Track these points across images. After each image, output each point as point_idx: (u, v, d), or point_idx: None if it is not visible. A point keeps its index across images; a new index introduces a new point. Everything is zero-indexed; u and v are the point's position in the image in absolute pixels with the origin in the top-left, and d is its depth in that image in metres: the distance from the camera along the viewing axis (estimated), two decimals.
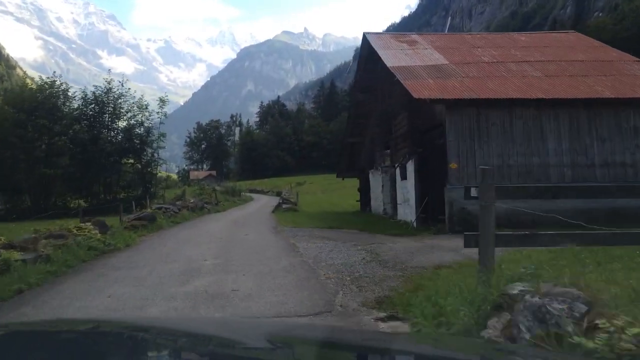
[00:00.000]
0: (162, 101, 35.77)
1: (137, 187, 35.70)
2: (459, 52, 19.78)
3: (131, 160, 36.38)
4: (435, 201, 17.24)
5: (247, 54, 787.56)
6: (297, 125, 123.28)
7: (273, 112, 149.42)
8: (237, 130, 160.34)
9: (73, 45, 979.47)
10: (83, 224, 12.14)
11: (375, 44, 21.01)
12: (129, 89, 36.39)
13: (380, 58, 23.13)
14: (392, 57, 19.25)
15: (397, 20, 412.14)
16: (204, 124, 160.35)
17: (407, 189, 20.13)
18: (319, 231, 17.19)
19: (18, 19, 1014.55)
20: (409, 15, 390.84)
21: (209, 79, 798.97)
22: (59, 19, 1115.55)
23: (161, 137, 35.93)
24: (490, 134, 15.78)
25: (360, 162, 29.02)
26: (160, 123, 36.25)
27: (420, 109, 18.50)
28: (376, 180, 24.51)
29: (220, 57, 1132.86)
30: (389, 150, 23.17)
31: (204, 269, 8.82)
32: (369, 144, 26.55)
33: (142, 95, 37.05)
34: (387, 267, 8.76)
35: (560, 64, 18.02)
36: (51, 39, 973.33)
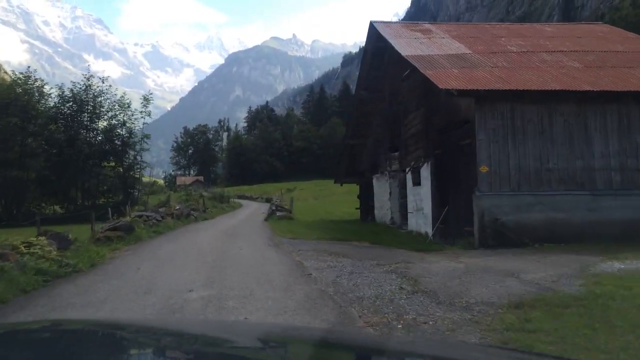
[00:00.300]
0: (146, 100, 33.08)
1: (118, 193, 32.95)
2: (480, 41, 17.51)
3: (112, 164, 33.58)
4: (457, 210, 14.91)
5: (235, 60, 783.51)
6: (286, 130, 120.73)
7: (262, 117, 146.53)
8: (225, 135, 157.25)
9: (59, 49, 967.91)
10: (35, 239, 9.55)
11: (384, 32, 18.68)
12: (110, 86, 33.64)
13: (386, 52, 20.90)
14: (406, 45, 16.93)
15: None
16: (191, 129, 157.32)
17: (420, 196, 17.77)
18: (325, 244, 14.75)
19: (4, 22, 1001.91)
20: (398, 22, 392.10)
21: (196, 84, 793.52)
22: (46, 23, 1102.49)
23: (145, 139, 33.23)
24: (527, 133, 13.47)
25: (362, 166, 26.66)
26: (144, 123, 33.54)
27: (438, 104, 16.20)
28: (381, 186, 22.15)
29: (208, 62, 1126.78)
30: (397, 153, 20.83)
31: (189, 308, 6.31)
32: (373, 146, 24.21)
33: (124, 93, 34.35)
34: (442, 304, 6.33)
35: (599, 54, 15.82)
36: (37, 43, 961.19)
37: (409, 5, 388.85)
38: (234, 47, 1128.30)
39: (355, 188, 57.45)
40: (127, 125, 32.89)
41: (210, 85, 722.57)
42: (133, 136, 32.98)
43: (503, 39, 17.85)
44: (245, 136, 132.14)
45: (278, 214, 27.41)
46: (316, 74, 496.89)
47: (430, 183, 16.78)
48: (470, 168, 14.01)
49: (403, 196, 20.11)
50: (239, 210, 45.07)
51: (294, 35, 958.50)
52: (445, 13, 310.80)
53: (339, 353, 1.80)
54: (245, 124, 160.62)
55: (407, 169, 18.74)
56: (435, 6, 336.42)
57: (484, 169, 13.38)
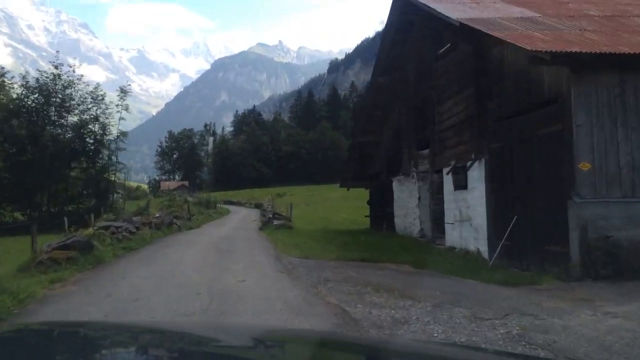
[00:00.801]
0: (123, 92, 28.82)
1: (90, 198, 28.50)
2: (545, 6, 13.61)
3: (83, 165, 29.05)
4: (530, 222, 10.95)
5: (221, 65, 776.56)
6: (274, 134, 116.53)
7: (248, 121, 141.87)
8: (210, 139, 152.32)
9: (43, 53, 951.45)
10: None
11: None
12: (82, 75, 29.18)
13: (416, 25, 17.01)
14: (452, 9, 12.98)
15: (371, 34, 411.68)
16: (176, 133, 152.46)
17: (467, 203, 13.80)
18: (353, 268, 10.74)
19: None
20: (383, 30, 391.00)
21: (182, 89, 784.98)
22: (30, 27, 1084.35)
23: (121, 137, 28.85)
24: None
25: (373, 167, 22.65)
26: (121, 118, 29.09)
27: (498, 83, 12.29)
28: (405, 191, 18.12)
29: (194, 67, 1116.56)
30: (426, 150, 16.88)
31: None
32: (390, 144, 20.20)
33: (98, 84, 29.97)
34: None
35: None
36: (21, 47, 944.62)
37: None
38: (220, 53, 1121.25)
39: (353, 193, 53.26)
40: (101, 120, 28.43)
41: (196, 91, 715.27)
42: (107, 133, 28.54)
43: (570, 5, 14.00)
44: (232, 140, 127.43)
45: (275, 222, 23.28)
46: (302, 80, 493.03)
47: (485, 186, 12.82)
48: (554, 165, 10.11)
49: (437, 202, 16.13)
50: (228, 216, 40.79)
51: (280, 41, 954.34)
52: None
53: (337, 354, 1.77)
54: (232, 129, 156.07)
55: (448, 170, 14.76)
56: None
57: (585, 166, 9.43)
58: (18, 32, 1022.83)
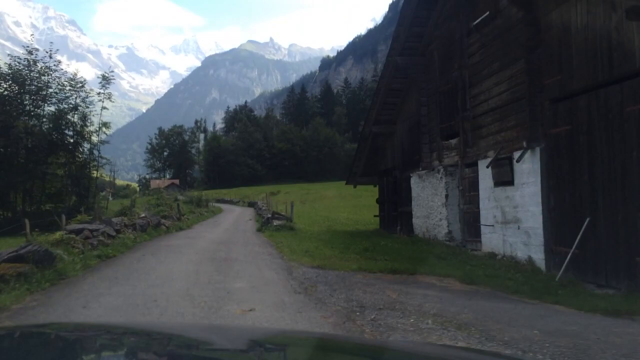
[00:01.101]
0: (105, 79, 26.12)
1: (69, 196, 25.82)
2: None
3: (62, 159, 26.31)
4: (612, 227, 8.60)
5: (212, 62, 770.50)
6: (266, 131, 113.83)
7: (240, 117, 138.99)
8: (201, 136, 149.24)
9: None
10: None
11: None
12: (59, 61, 26.44)
13: None
14: None
15: (363, 32, 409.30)
16: (166, 130, 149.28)
17: (514, 202, 11.42)
18: (390, 286, 8.31)
19: None
20: (375, 27, 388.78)
21: (172, 86, 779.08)
22: (17, 23, 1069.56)
23: (104, 128, 26.17)
24: None
25: (385, 162, 20.21)
26: (103, 108, 26.37)
27: (558, 53, 9.92)
28: (427, 188, 15.68)
29: (185, 65, 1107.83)
30: (455, 140, 14.48)
31: None
32: (407, 134, 17.77)
33: (76, 70, 27.25)
34: None
35: None
36: (8, 44, 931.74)
37: (387, 9, 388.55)
38: (210, 50, 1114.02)
39: (350, 191, 51.07)
40: (81, 110, 25.71)
41: (187, 88, 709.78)
42: (88, 124, 25.84)
43: None
44: (224, 137, 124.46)
45: (275, 222, 20.78)
46: (294, 78, 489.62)
47: (541, 181, 10.45)
48: None
49: (469, 201, 13.74)
50: (221, 216, 38.26)
51: (271, 38, 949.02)
52: None
53: (336, 355, 1.77)
54: (223, 125, 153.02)
55: (487, 162, 12.36)
56: None
57: None
58: (4, 28, 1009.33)
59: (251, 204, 55.27)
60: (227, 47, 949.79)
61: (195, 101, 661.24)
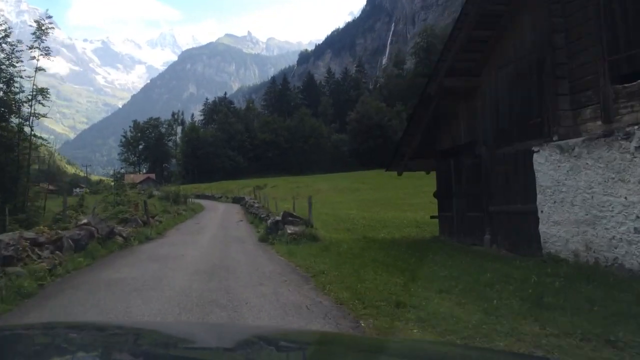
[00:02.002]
0: (40, 28, 18.79)
1: None
2: None
3: None
4: None
5: (189, 56, 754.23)
6: (248, 122, 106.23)
7: (220, 109, 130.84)
8: (179, 129, 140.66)
9: (3, 45, 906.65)
10: None
11: None
12: None
13: None
14: None
15: (341, 25, 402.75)
16: (141, 122, 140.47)
17: None
18: None
19: None
20: (353, 20, 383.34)
21: (148, 81, 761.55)
22: None
23: (40, 95, 18.72)
24: None
25: (454, 135, 13.37)
26: (38, 69, 18.82)
27: None
28: (586, 169, 8.63)
29: (161, 59, 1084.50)
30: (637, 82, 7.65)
31: None
32: (512, 85, 10.83)
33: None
34: None
35: None
36: None
37: (365, 3, 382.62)
38: (187, 44, 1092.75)
39: (347, 184, 44.47)
40: (4, 69, 18.17)
41: (163, 83, 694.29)
42: (15, 91, 18.37)
43: None
44: (203, 130, 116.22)
45: (290, 229, 13.77)
46: (272, 72, 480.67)
47: None
48: None
49: None
50: (202, 215, 31.18)
51: (248, 32, 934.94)
52: (401, 11, 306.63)
53: (335, 353, 1.73)
54: (202, 118, 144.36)
55: None
56: (390, 4, 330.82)
57: None
58: None
59: (236, 200, 48.17)
60: (204, 41, 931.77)
61: (172, 96, 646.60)
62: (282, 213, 15.54)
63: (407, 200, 33.93)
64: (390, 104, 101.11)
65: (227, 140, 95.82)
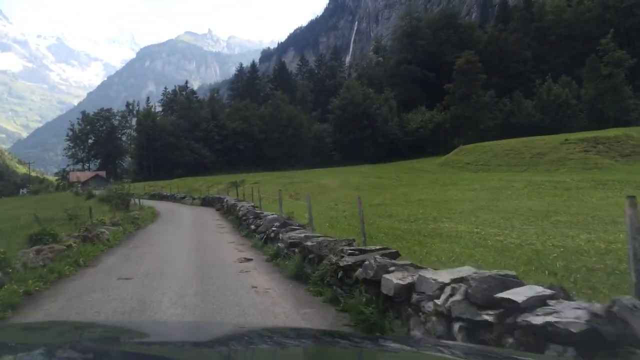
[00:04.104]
0: None
1: None
2: None
3: None
4: None
5: (147, 54, 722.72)
6: (215, 109, 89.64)
7: (181, 99, 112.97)
8: (134, 121, 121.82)
9: None
10: None
11: None
12: None
13: None
14: None
15: (304, 23, 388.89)
16: (91, 113, 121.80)
17: None
18: None
19: None
20: (316, 18, 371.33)
21: (105, 78, 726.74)
22: None
23: None
24: None
25: None
26: None
27: None
28: None
29: (119, 56, 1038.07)
30: None
31: None
32: None
33: None
34: None
35: None
36: None
37: (328, 1, 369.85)
38: (146, 41, 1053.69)
39: (358, 179, 31.49)
40: None
41: (121, 80, 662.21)
42: None
43: None
44: (160, 118, 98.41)
45: None
46: (233, 70, 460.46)
47: None
48: None
49: None
50: (157, 228, 15.73)
51: (209, 30, 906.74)
52: (364, 10, 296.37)
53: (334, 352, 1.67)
54: (161, 109, 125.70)
55: None
56: (354, 3, 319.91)
57: None
58: None
59: (208, 202, 32.71)
60: (163, 38, 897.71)
61: (130, 94, 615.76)
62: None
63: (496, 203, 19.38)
64: (377, 90, 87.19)
65: (190, 129, 79.13)
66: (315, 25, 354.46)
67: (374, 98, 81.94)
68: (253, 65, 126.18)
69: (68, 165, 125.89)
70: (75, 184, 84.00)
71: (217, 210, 26.71)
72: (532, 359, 1.96)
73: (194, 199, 38.22)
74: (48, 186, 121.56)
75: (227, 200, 25.27)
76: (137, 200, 28.09)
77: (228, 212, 21.72)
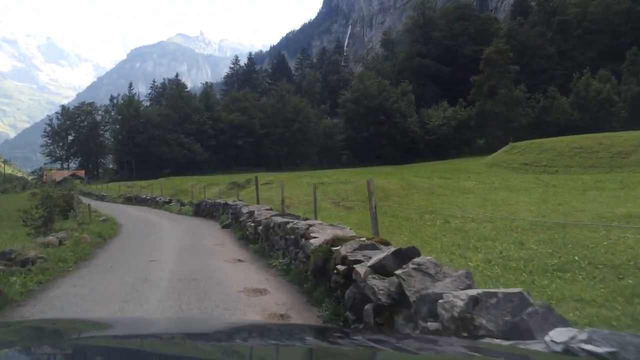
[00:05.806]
0: None
1: None
2: None
3: None
4: None
5: (138, 55, 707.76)
6: (208, 100, 77.49)
7: (172, 93, 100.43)
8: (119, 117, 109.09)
9: None
10: None
11: None
12: None
13: None
14: None
15: (297, 27, 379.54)
16: (71, 108, 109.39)
17: None
18: None
19: None
20: (309, 22, 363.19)
21: (95, 79, 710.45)
22: None
23: None
24: None
25: None
26: None
27: None
28: None
29: (109, 57, 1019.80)
30: None
31: None
32: None
33: None
34: None
35: None
36: None
37: (321, 5, 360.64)
38: (137, 42, 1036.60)
39: (435, 180, 18.08)
40: None
41: (111, 82, 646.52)
42: None
43: None
44: (145, 109, 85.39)
45: None
46: (224, 73, 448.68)
47: None
48: None
49: None
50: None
51: (201, 32, 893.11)
52: (358, 14, 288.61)
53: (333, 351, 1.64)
54: (149, 103, 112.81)
55: None
56: (347, 7, 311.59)
57: None
58: None
59: (202, 210, 21.02)
60: (154, 40, 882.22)
61: (121, 95, 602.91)
62: None
63: None
64: (393, 82, 76.03)
65: (180, 121, 66.93)
66: (308, 29, 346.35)
67: (390, 91, 70.68)
68: (250, 58, 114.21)
69: (45, 164, 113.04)
70: (49, 184, 72.15)
71: (222, 226, 15.05)
72: (533, 355, 1.82)
73: (182, 204, 26.35)
74: (25, 186, 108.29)
75: (240, 209, 13.65)
76: (80, 205, 16.33)
77: (248, 231, 10.12)
